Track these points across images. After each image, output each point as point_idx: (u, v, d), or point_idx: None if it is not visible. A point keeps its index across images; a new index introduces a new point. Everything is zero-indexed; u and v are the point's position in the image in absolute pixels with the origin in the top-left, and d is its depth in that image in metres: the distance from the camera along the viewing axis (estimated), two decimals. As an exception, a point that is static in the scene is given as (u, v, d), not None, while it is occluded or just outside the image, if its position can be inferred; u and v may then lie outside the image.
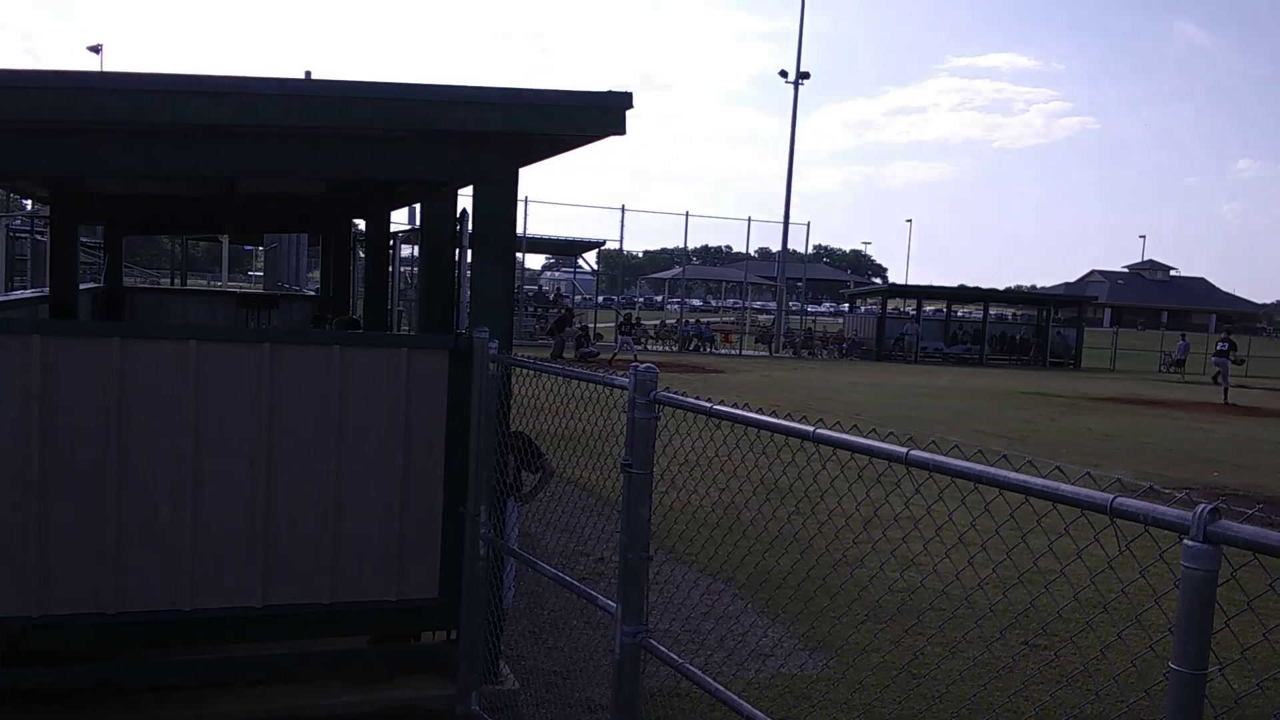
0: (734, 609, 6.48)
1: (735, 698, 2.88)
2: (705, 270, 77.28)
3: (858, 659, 5.67)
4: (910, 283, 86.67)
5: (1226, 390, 27.63)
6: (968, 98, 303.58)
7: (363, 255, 13.13)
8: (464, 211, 6.27)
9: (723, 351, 42.61)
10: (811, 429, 2.48)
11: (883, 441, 2.29)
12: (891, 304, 53.16)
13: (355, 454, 4.57)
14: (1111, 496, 1.80)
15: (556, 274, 69.61)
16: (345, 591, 4.57)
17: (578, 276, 58.26)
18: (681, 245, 47.12)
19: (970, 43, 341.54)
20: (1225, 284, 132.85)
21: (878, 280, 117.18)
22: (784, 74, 47.15)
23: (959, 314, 51.96)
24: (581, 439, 4.51)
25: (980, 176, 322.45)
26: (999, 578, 6.14)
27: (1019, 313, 56.60)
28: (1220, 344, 28.51)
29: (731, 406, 2.92)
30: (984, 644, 5.72)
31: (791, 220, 44.72)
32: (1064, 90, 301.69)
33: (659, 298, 75.07)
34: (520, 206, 38.62)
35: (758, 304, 69.26)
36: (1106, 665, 5.25)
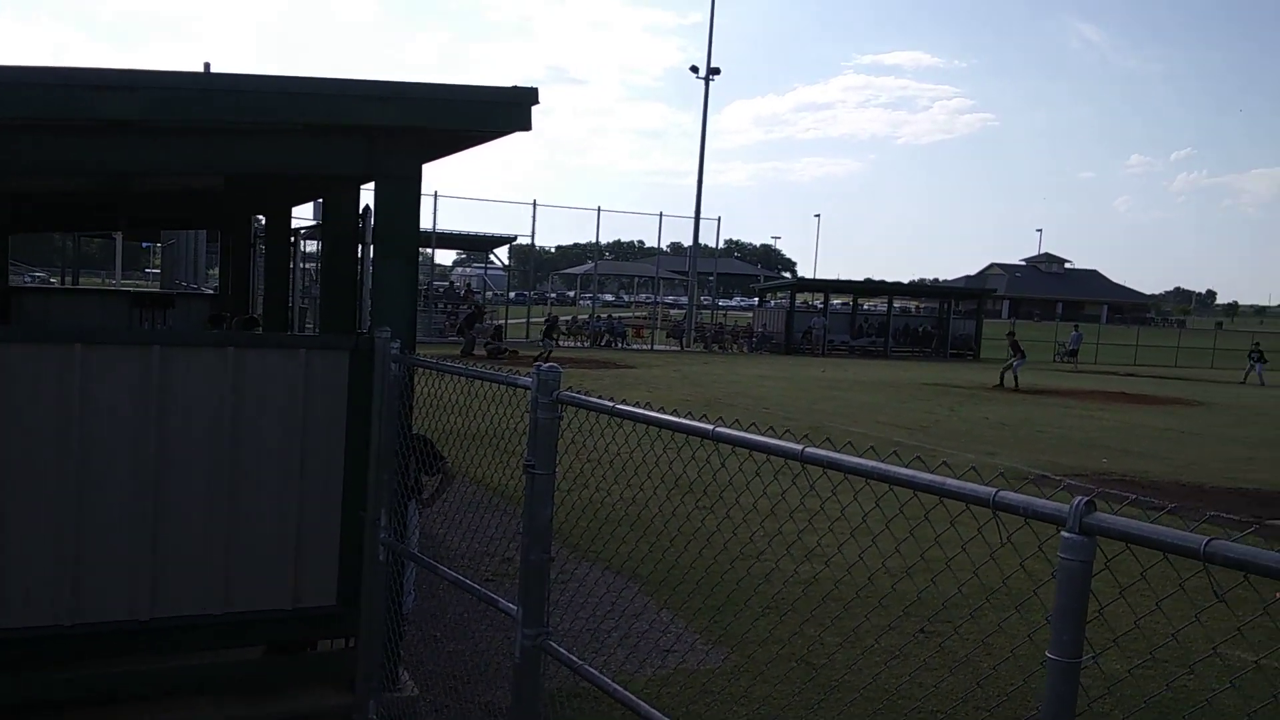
0: (637, 605, 6.49)
1: (632, 697, 2.88)
2: (617, 265, 77.51)
3: (757, 651, 5.74)
4: (818, 276, 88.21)
5: (1004, 376, 28.08)
6: (873, 94, 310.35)
7: (263, 251, 12.76)
8: (367, 208, 6.15)
9: (634, 346, 42.77)
10: (711, 427, 2.50)
11: (779, 439, 2.31)
12: (800, 298, 54.02)
13: (251, 459, 4.44)
14: (994, 491, 1.85)
15: (467, 270, 68.90)
16: (239, 600, 4.44)
17: (489, 272, 57.73)
18: (594, 240, 47.15)
19: (875, 40, 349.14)
20: (1117, 276, 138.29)
21: (787, 274, 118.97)
22: (695, 70, 47.55)
23: (865, 307, 53.07)
24: (487, 437, 4.46)
25: (886, 172, 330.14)
26: (889, 569, 6.28)
27: (922, 305, 58.05)
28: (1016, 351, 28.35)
29: (635, 405, 2.91)
30: (878, 632, 5.85)
31: (703, 215, 45.12)
32: (966, 87, 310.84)
33: (571, 293, 74.86)
34: (429, 201, 38.05)
35: (670, 298, 69.64)
36: (993, 651, 5.40)
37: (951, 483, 1.93)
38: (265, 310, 10.40)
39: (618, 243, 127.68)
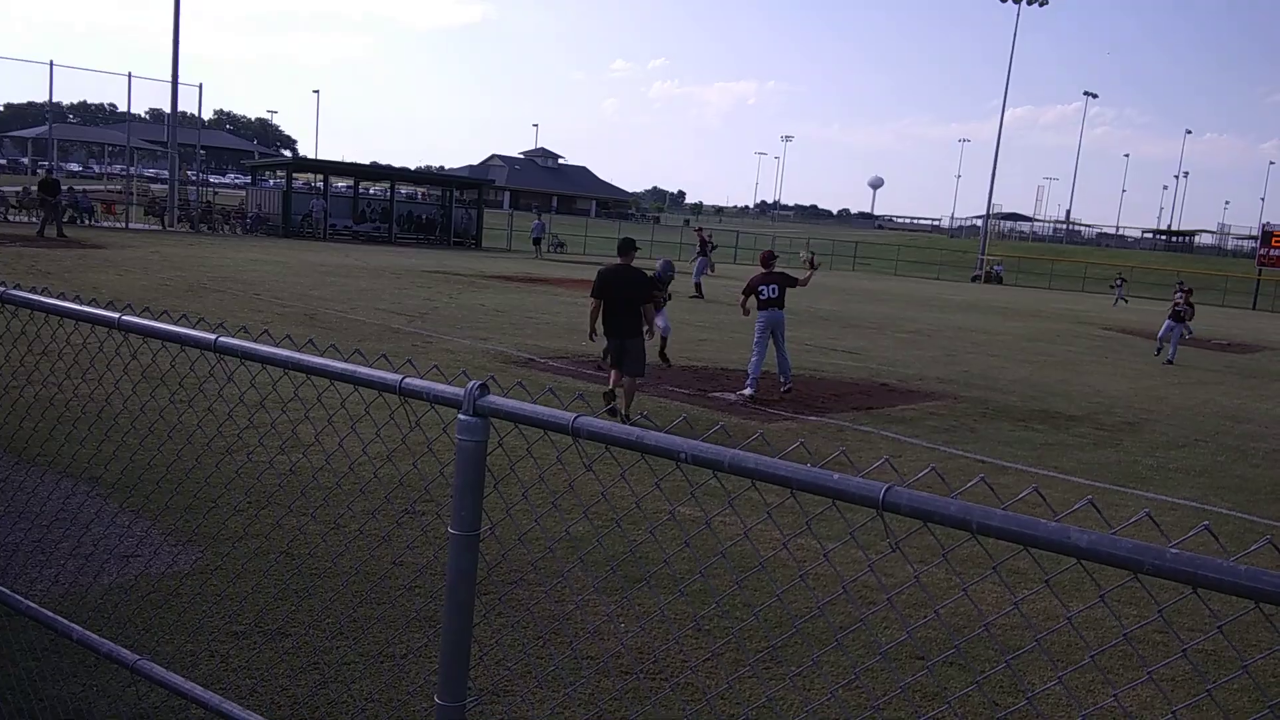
0: (95, 509, 5.90)
1: (49, 614, 2.61)
2: (82, 130, 67.58)
3: (235, 546, 5.52)
4: (320, 157, 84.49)
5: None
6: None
7: None
8: None
9: (106, 224, 37.98)
10: (117, 316, 2.26)
11: (192, 329, 2.16)
12: (301, 178, 51.47)
13: None
14: (400, 378, 1.88)
15: (-126, 123, 56.03)
16: None
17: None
18: (50, 99, 40.59)
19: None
20: (604, 173, 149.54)
21: (287, 152, 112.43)
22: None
23: (369, 191, 51.95)
24: None
25: (388, 53, 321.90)
26: (369, 455, 6.35)
27: (427, 193, 58.24)
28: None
29: (78, 299, 2.54)
30: (363, 518, 5.91)
31: (182, 81, 40.64)
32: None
33: (25, 159, 63.92)
34: None
35: (151, 172, 62.67)
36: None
37: (363, 371, 1.94)
38: None
39: (84, 105, 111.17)
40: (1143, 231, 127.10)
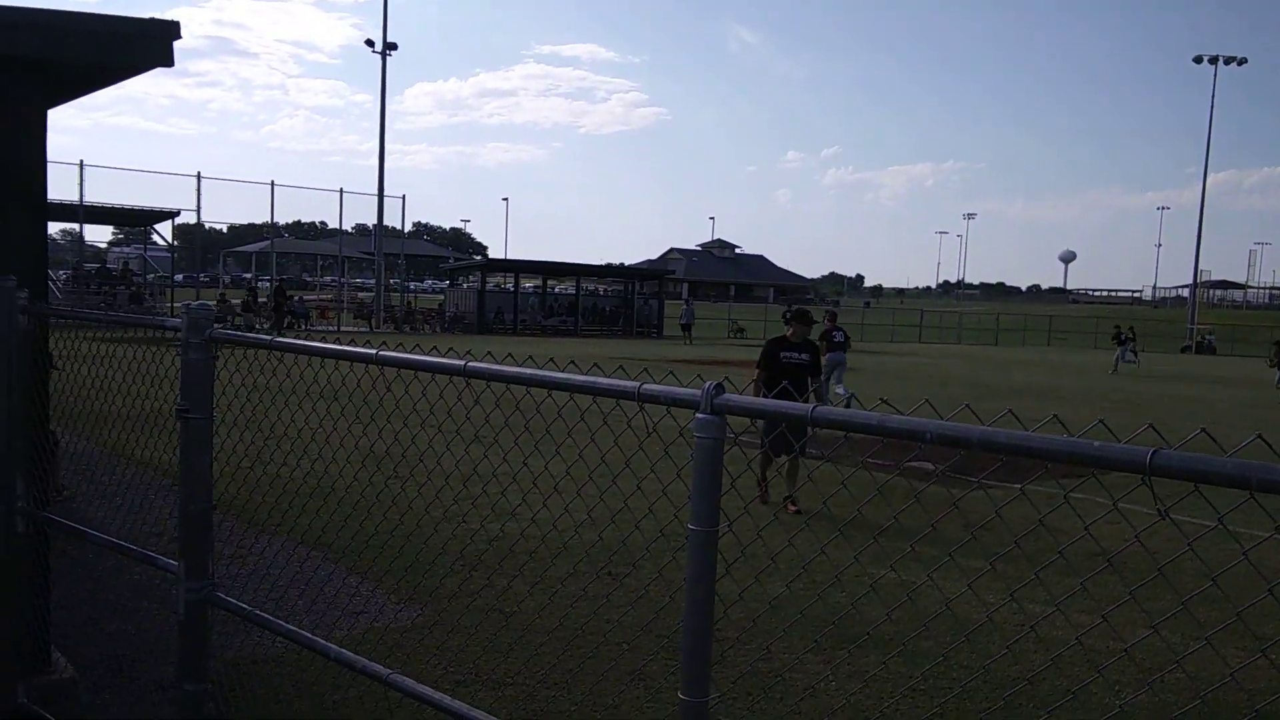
0: (324, 572, 6.30)
1: (309, 635, 2.82)
2: (297, 244, 73.55)
3: (450, 604, 5.77)
4: (509, 258, 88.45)
5: None
6: (554, 84, 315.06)
7: None
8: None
9: (320, 327, 41.01)
10: (374, 351, 2.49)
11: (443, 358, 2.35)
12: (492, 279, 54.10)
13: None
14: (639, 384, 1.98)
15: (127, 250, 62.85)
16: None
17: (150, 253, 52.76)
18: (269, 218, 44.59)
19: (553, 31, 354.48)
20: (781, 261, 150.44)
21: (478, 257, 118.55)
22: (370, 43, 46.37)
23: (555, 288, 54.05)
24: (150, 415, 4.14)
25: (570, 159, 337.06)
26: (572, 518, 6.53)
27: (609, 286, 60.02)
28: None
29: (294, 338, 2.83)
30: (564, 577, 6.06)
31: (387, 194, 43.82)
32: (640, 82, 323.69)
33: (247, 275, 70.14)
34: (74, 171, 34.17)
35: (358, 280, 67.34)
36: (670, 583, 5.74)
37: (602, 381, 2.06)
38: None
39: (298, 223, 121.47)
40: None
